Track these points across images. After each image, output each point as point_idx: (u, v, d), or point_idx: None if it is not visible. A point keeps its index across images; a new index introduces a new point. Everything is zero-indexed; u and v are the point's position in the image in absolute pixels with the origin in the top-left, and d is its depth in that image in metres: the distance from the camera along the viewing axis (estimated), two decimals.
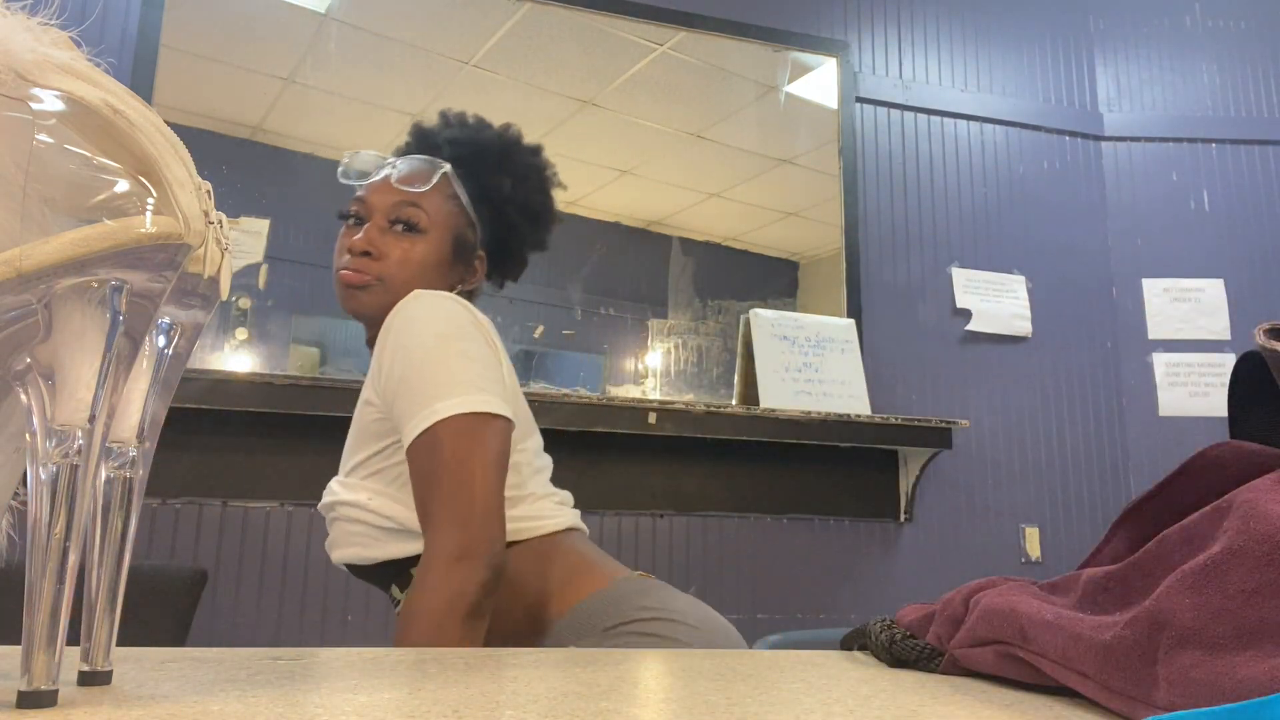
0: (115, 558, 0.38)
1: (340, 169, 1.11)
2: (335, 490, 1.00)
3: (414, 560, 0.93)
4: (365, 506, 0.96)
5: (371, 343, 1.04)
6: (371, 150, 1.10)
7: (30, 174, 0.31)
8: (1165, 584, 0.32)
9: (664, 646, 0.86)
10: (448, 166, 1.09)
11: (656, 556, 2.27)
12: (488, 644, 0.87)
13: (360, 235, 1.04)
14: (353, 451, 1.01)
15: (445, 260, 1.07)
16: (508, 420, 0.92)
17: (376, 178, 1.07)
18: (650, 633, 0.89)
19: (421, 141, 1.16)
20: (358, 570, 0.99)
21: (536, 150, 1.19)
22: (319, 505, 1.02)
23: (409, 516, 0.93)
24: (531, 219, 1.17)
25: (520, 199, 1.15)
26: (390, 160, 1.09)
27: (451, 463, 0.87)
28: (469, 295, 1.13)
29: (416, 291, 0.99)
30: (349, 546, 0.97)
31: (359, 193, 1.08)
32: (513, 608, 0.95)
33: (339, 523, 0.99)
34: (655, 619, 0.90)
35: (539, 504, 1.01)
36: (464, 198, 1.10)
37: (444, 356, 0.92)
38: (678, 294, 2.69)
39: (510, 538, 0.95)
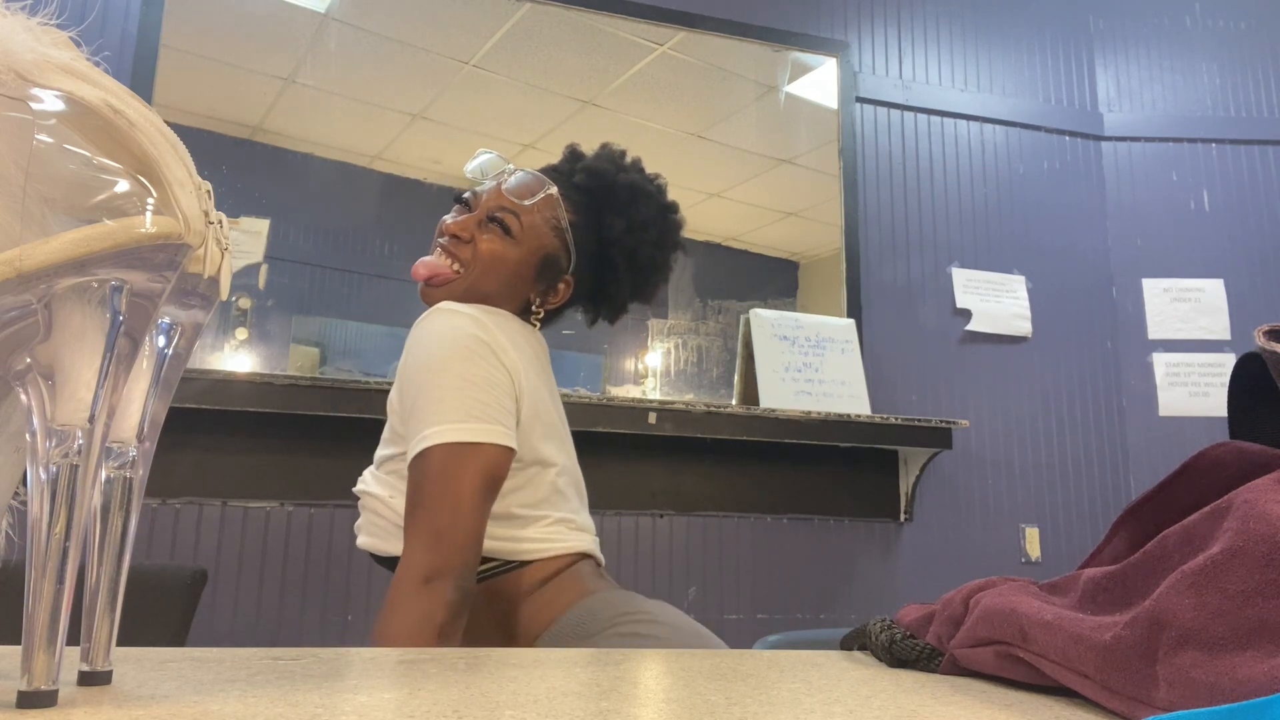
0: (115, 558, 0.38)
1: (466, 166, 1.17)
2: (366, 480, 1.05)
3: None
4: (385, 503, 1.00)
5: None
6: (494, 153, 1.15)
7: (30, 174, 0.31)
8: (1165, 584, 0.32)
9: (645, 645, 0.89)
10: (554, 190, 1.12)
11: (656, 556, 2.27)
12: None
13: (457, 218, 1.10)
14: (383, 445, 1.05)
15: (526, 273, 1.10)
16: (498, 447, 0.94)
17: (493, 182, 1.13)
18: (631, 633, 0.91)
19: (569, 162, 1.20)
20: (376, 559, 1.03)
21: (670, 209, 1.20)
22: (355, 488, 1.06)
23: None
24: (634, 268, 1.18)
25: (628, 245, 1.16)
26: (511, 168, 1.14)
27: (432, 489, 0.91)
28: (551, 314, 1.16)
29: (439, 305, 1.01)
30: (371, 535, 1.02)
31: (478, 187, 1.14)
32: (493, 630, 0.98)
33: (366, 511, 1.04)
34: (633, 620, 0.93)
35: (552, 528, 1.03)
36: (564, 223, 1.12)
37: (444, 380, 0.95)
38: (678, 294, 2.69)
39: (516, 557, 0.99)
